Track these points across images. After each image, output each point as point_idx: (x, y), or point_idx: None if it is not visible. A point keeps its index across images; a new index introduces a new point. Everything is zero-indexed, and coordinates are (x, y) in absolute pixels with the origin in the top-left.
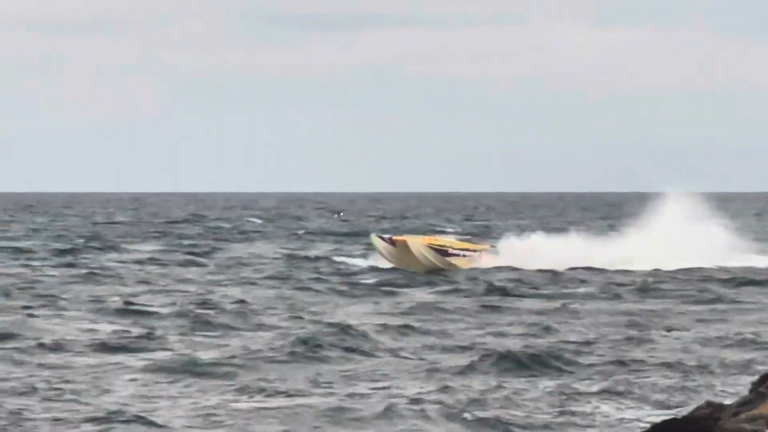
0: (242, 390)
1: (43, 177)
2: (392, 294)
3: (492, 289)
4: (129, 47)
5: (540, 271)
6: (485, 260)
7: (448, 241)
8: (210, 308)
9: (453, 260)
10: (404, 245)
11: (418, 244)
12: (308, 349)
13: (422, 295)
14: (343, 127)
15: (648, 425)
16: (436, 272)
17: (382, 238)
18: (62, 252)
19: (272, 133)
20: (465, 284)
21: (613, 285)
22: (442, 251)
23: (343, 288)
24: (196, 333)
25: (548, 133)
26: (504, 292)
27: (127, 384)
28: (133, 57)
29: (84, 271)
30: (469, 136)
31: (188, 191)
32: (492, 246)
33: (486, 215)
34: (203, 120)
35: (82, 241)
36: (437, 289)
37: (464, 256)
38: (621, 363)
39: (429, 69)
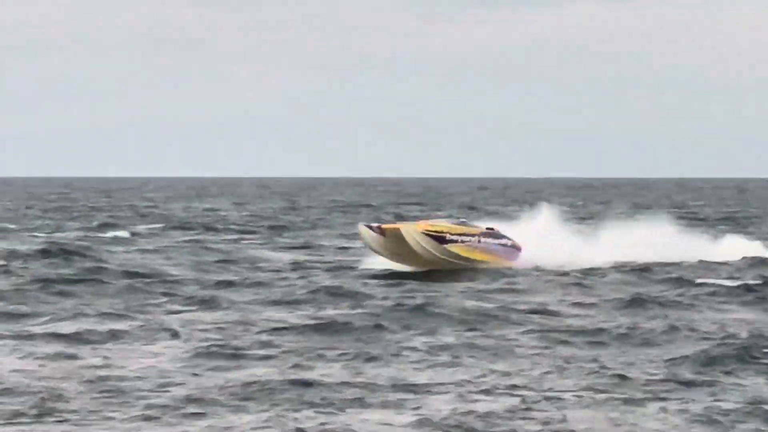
0: None
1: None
2: None
3: None
4: (299, 34)
5: None
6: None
7: (445, 225)
8: None
9: (451, 247)
10: (396, 234)
11: (412, 231)
12: None
13: None
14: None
15: None
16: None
17: (371, 228)
18: None
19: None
20: None
21: None
22: (439, 237)
23: None
24: None
25: None
26: None
27: None
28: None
29: None
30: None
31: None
32: (489, 229)
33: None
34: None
35: None
36: None
37: (462, 242)
38: None
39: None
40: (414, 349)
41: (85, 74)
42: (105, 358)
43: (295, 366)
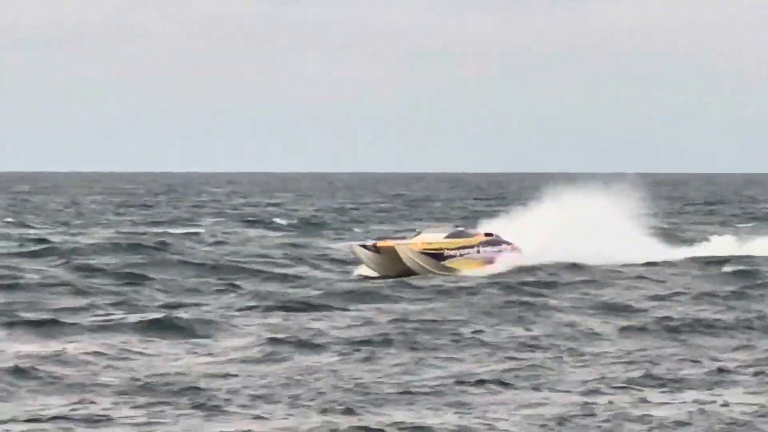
0: None
1: None
2: None
3: None
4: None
5: None
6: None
7: (442, 241)
8: None
9: (450, 263)
10: (391, 252)
11: (408, 251)
12: None
13: None
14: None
15: None
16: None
17: (366, 247)
18: None
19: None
20: None
21: None
22: (437, 255)
23: None
24: None
25: None
26: None
27: None
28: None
29: None
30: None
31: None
32: (487, 235)
33: None
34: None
35: None
36: None
37: (462, 255)
38: None
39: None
40: None
41: (154, 67)
42: None
43: None
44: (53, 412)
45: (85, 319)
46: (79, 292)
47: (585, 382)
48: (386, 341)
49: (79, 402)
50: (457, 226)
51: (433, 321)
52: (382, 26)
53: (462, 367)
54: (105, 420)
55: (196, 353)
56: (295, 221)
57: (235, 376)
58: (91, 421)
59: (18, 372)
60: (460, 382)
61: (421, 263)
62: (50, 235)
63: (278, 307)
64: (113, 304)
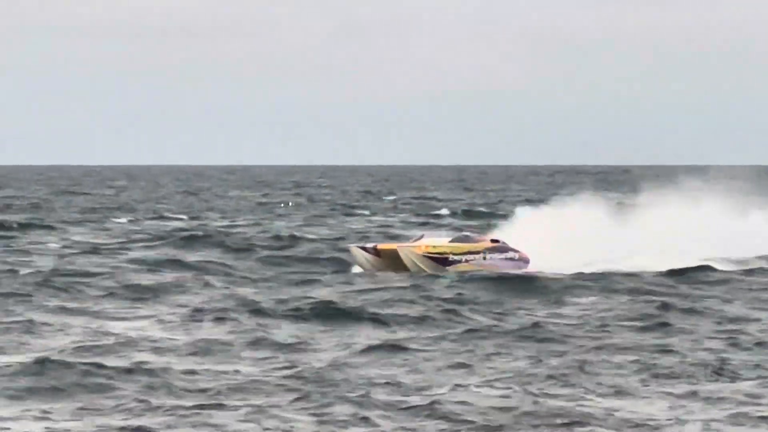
0: None
1: None
2: None
3: None
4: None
5: None
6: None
7: (447, 245)
8: None
9: (454, 269)
10: (393, 255)
11: (411, 254)
12: None
13: None
14: None
15: None
16: None
17: (365, 249)
18: None
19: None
20: None
21: None
22: (441, 260)
23: None
24: None
25: None
26: None
27: None
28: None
29: None
30: None
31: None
32: (494, 241)
33: None
34: None
35: None
36: None
37: (467, 261)
38: None
39: None
40: None
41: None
42: None
43: None
44: None
45: None
46: None
47: None
48: None
49: None
50: (462, 231)
51: None
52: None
53: None
54: None
55: None
56: None
57: None
58: None
59: None
60: None
61: (424, 267)
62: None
63: None
64: None
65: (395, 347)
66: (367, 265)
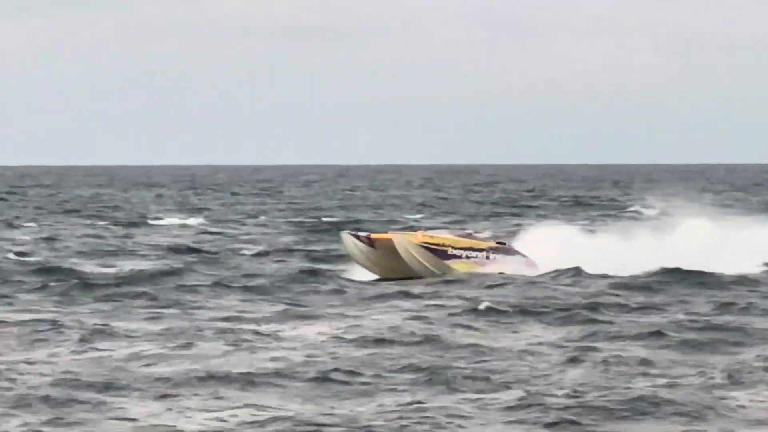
0: None
1: None
2: None
3: None
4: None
5: None
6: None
7: (447, 238)
8: None
9: (454, 264)
10: (387, 245)
11: (406, 243)
12: None
13: None
14: None
15: None
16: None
17: (357, 237)
18: None
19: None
20: None
21: None
22: (439, 252)
23: None
24: None
25: None
26: None
27: None
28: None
29: None
30: None
31: None
32: (500, 243)
33: None
34: None
35: None
36: None
37: (468, 258)
38: None
39: None
40: None
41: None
42: None
43: None
44: None
45: None
46: None
47: None
48: None
49: None
50: (465, 231)
51: None
52: None
53: None
54: None
55: None
56: None
57: None
58: None
59: None
60: None
61: (420, 258)
62: None
63: None
64: None
65: None
66: (361, 256)
